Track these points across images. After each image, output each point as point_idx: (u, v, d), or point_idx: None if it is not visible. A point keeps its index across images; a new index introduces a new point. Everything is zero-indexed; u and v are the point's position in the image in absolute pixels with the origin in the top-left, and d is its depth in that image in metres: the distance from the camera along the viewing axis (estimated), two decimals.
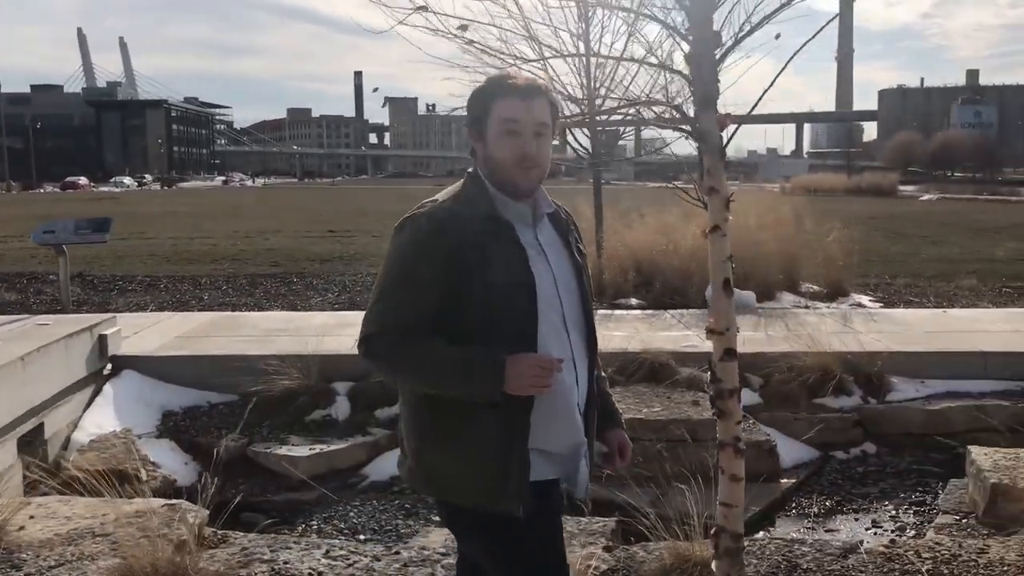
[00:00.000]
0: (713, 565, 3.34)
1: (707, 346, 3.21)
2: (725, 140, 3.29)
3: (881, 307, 10.40)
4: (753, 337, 8.27)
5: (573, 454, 2.31)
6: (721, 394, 3.27)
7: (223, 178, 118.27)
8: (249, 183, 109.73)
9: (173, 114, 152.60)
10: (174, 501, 4.30)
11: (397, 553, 3.81)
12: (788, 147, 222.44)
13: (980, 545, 4.31)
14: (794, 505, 5.83)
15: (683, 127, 3.36)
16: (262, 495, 5.89)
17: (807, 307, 10.12)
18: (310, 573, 3.59)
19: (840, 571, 4.02)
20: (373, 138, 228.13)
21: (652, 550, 4.01)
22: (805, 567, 4.09)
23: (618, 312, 9.63)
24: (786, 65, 3.22)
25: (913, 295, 11.40)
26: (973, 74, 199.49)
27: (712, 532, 3.43)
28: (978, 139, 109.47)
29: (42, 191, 71.24)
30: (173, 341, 8.16)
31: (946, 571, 3.99)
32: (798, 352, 7.21)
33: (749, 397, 7.11)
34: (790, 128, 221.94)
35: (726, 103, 3.09)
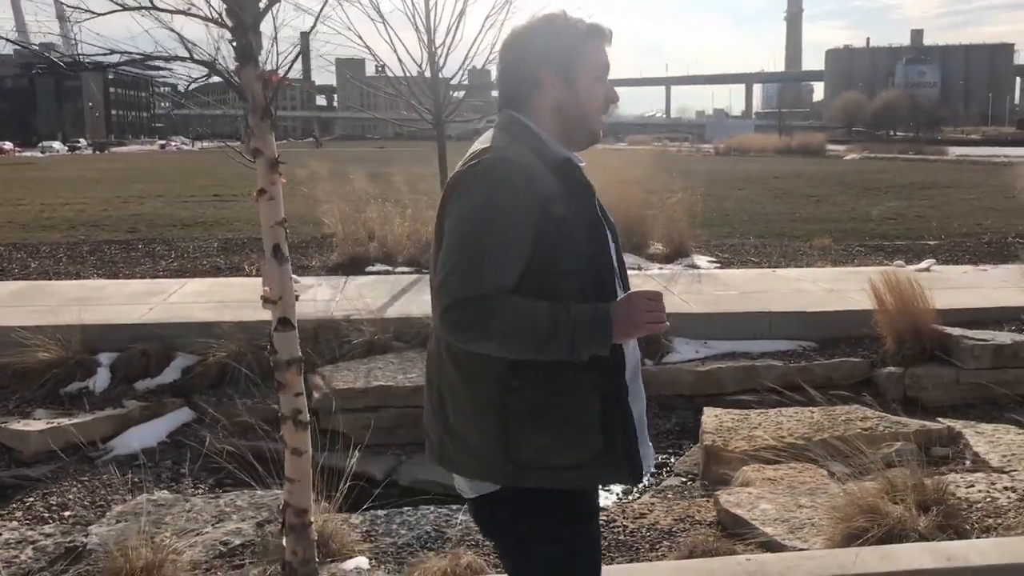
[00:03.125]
0: (283, 541, 3.24)
1: None
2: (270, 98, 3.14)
3: (717, 268, 10.39)
4: None
5: (641, 423, 2.09)
6: (279, 366, 3.14)
7: (162, 142, 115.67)
8: (187, 147, 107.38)
9: (111, 76, 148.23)
10: None
11: None
12: (738, 108, 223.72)
13: (643, 509, 4.28)
14: None
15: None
16: None
17: (640, 268, 10.07)
18: None
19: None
20: (321, 100, 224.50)
21: None
22: (449, 536, 4.02)
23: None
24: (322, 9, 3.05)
25: (758, 256, 11.40)
26: (917, 34, 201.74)
27: (280, 508, 3.34)
28: (919, 99, 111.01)
29: None
30: None
31: None
32: None
33: None
34: (740, 89, 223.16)
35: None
